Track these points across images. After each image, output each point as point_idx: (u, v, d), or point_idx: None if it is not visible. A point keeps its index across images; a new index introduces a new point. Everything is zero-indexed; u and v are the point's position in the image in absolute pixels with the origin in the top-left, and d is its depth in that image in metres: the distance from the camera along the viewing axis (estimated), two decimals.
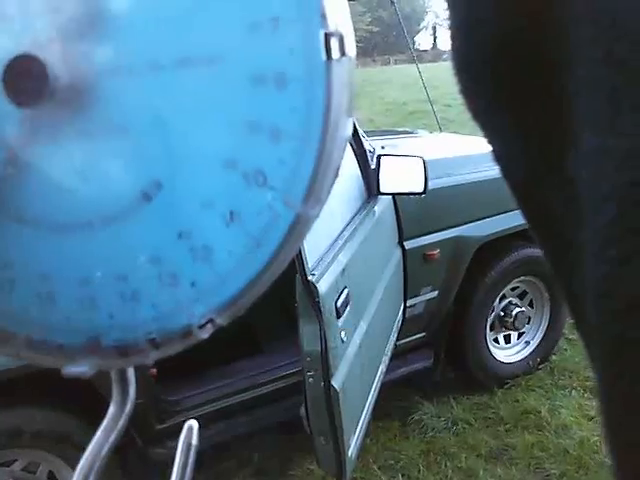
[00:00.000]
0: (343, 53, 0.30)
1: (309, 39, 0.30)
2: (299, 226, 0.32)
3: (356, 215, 2.80)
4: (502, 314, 3.81)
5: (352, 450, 2.40)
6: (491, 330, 3.80)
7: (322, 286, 2.13)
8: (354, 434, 2.43)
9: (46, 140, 0.34)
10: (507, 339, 3.91)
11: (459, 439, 3.39)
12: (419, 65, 5.35)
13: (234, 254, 0.33)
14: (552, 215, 0.29)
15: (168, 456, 2.74)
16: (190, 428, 0.45)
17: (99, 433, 0.41)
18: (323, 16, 0.30)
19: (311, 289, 2.11)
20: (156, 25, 0.31)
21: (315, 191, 0.31)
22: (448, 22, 0.31)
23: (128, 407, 0.41)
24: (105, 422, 0.41)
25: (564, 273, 0.30)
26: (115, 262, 0.35)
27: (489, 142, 0.32)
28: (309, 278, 2.10)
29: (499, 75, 0.29)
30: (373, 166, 3.03)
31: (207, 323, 0.34)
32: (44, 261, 0.36)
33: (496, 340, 3.86)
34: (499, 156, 0.32)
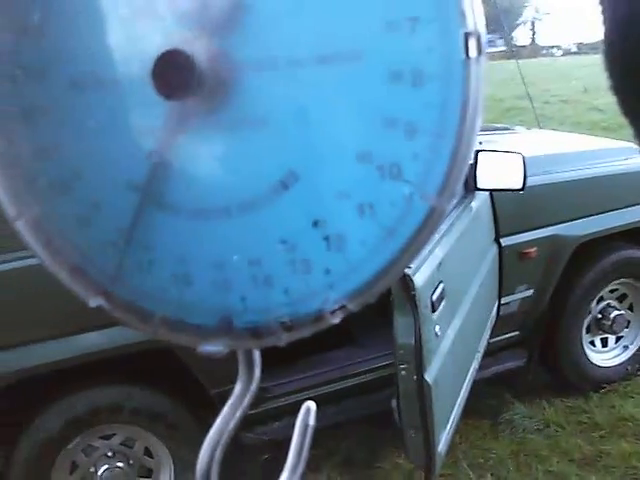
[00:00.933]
0: (480, 52, 0.31)
1: (447, 38, 0.31)
2: (433, 218, 0.33)
3: (453, 210, 2.78)
4: (600, 316, 3.70)
5: (442, 445, 2.39)
6: (587, 332, 3.69)
7: (418, 279, 2.13)
8: (444, 429, 2.42)
9: (190, 131, 0.36)
10: (604, 342, 3.79)
11: (551, 442, 3.32)
12: (517, 61, 5.23)
13: (367, 244, 0.35)
14: None
15: (257, 441, 2.81)
16: (308, 409, 0.47)
17: (226, 409, 0.44)
18: (462, 15, 0.31)
19: (407, 282, 2.11)
20: (298, 22, 0.33)
21: (450, 185, 0.33)
22: (602, 18, 0.32)
23: (253, 385, 0.44)
24: (232, 399, 0.44)
25: None
26: (250, 247, 0.37)
27: (638, 137, 0.32)
28: (405, 271, 2.10)
29: None
30: (471, 161, 2.99)
31: (339, 309, 0.36)
32: (182, 244, 0.39)
33: (592, 343, 3.75)
34: None
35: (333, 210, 0.35)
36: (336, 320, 0.36)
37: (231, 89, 0.35)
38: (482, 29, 0.31)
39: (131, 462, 2.68)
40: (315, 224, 0.35)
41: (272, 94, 0.34)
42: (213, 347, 0.39)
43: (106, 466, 2.62)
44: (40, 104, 0.37)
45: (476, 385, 2.92)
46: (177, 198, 0.38)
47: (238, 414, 0.43)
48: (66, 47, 0.36)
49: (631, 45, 0.30)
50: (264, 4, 0.33)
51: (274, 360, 2.97)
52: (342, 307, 0.36)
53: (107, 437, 2.63)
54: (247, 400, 0.44)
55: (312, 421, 0.47)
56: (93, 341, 2.41)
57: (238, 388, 0.44)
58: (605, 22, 0.32)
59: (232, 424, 0.44)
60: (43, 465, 2.48)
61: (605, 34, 0.32)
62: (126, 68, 0.36)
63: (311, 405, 0.47)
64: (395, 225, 0.34)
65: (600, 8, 0.33)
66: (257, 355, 0.43)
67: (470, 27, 0.31)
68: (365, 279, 0.35)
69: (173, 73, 0.34)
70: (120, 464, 2.65)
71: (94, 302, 0.40)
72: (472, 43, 0.31)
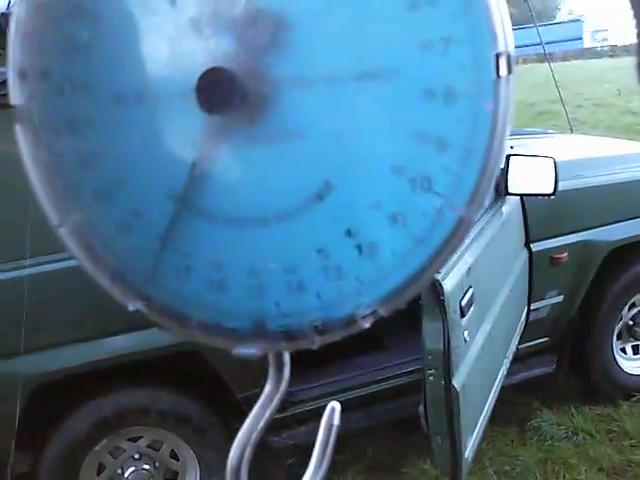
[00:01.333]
0: (510, 71, 0.32)
1: (479, 57, 0.32)
2: (461, 229, 0.34)
3: (483, 215, 2.77)
4: (631, 323, 3.65)
5: (469, 452, 2.38)
6: (618, 339, 3.65)
7: (447, 284, 2.13)
8: (472, 436, 2.41)
9: (230, 143, 0.38)
10: (635, 350, 3.74)
11: (579, 450, 3.28)
12: (550, 64, 5.20)
13: (397, 252, 0.36)
14: None
15: (284, 445, 2.82)
16: (333, 409, 0.48)
17: (256, 408, 0.45)
18: (494, 36, 0.32)
19: (436, 287, 2.11)
20: (337, 42, 0.34)
21: (478, 197, 0.34)
22: (634, 20, 0.32)
23: (283, 386, 0.45)
24: (262, 399, 0.45)
25: None
26: (285, 255, 0.39)
27: None
28: (435, 276, 2.10)
29: None
30: (502, 166, 2.98)
31: (370, 314, 0.37)
32: (218, 252, 0.40)
33: (623, 350, 3.70)
34: None
35: (366, 220, 0.36)
36: (367, 324, 0.38)
37: (270, 104, 0.36)
38: (512, 49, 0.32)
39: (157, 465, 2.71)
40: (348, 233, 0.37)
41: (310, 109, 0.36)
42: (247, 350, 0.41)
43: (133, 468, 2.65)
44: (85, 116, 0.39)
45: (504, 391, 2.91)
46: (215, 207, 0.39)
47: (268, 414, 0.45)
48: (112, 63, 0.38)
49: None
50: (306, 25, 0.35)
51: (301, 365, 2.99)
52: (373, 312, 0.37)
53: (134, 439, 2.67)
54: (276, 400, 0.45)
55: (337, 421, 0.48)
56: (121, 344, 2.45)
57: (268, 388, 0.45)
58: (637, 25, 0.33)
59: (262, 424, 0.45)
60: (71, 466, 2.51)
61: (638, 36, 0.33)
62: (170, 84, 0.37)
63: (336, 405, 0.48)
64: (425, 235, 0.35)
65: (632, 10, 0.33)
66: (287, 357, 0.44)
67: (501, 47, 0.32)
68: (395, 286, 0.37)
69: (216, 89, 0.36)
70: (146, 466, 2.68)
71: (133, 306, 0.42)
72: (503, 63, 0.32)
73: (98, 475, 2.62)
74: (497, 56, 0.32)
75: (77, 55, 0.39)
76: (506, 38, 0.32)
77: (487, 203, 0.41)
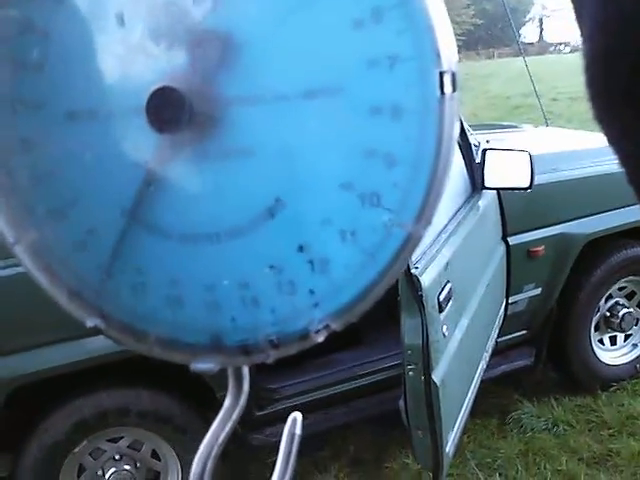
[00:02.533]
0: (454, 89, 0.33)
1: (424, 76, 0.33)
2: (410, 244, 0.35)
3: (460, 209, 2.79)
4: (608, 314, 3.69)
5: (449, 446, 2.40)
6: (596, 330, 3.69)
7: (425, 279, 2.14)
8: (452, 430, 2.43)
9: (181, 161, 0.38)
10: (613, 340, 3.78)
11: (559, 441, 3.32)
12: (525, 58, 5.23)
13: (349, 267, 0.36)
14: None
15: (265, 442, 2.83)
16: (294, 419, 0.49)
17: (216, 423, 0.45)
18: (438, 55, 0.32)
19: (414, 282, 2.12)
20: (284, 60, 0.35)
21: (425, 213, 0.34)
22: (583, 53, 0.33)
23: (242, 400, 0.45)
24: (221, 413, 0.45)
25: None
26: (238, 271, 0.39)
27: (623, 166, 0.34)
28: (412, 271, 2.12)
29: (636, 102, 0.31)
30: (478, 160, 3.00)
31: (323, 328, 0.38)
32: (174, 268, 0.40)
33: (601, 341, 3.75)
34: (632, 180, 0.34)
35: (317, 236, 0.37)
36: (320, 339, 0.38)
37: (220, 123, 0.37)
38: (456, 67, 0.33)
39: (138, 465, 2.70)
40: (300, 249, 0.37)
41: (259, 127, 0.36)
42: (205, 364, 0.41)
43: (113, 469, 2.64)
44: (37, 135, 0.39)
45: (484, 384, 2.93)
46: (167, 223, 0.39)
47: (228, 428, 0.45)
48: (63, 81, 0.38)
49: (611, 78, 0.32)
50: (254, 45, 0.35)
51: (281, 362, 2.97)
52: (326, 326, 0.38)
53: (114, 440, 2.65)
54: (236, 413, 0.45)
55: (299, 430, 0.48)
56: (100, 344, 2.43)
57: (227, 402, 0.45)
58: (586, 57, 0.33)
59: (222, 437, 0.45)
60: (51, 469, 2.50)
61: (585, 68, 0.33)
62: (120, 102, 0.38)
63: (297, 416, 0.49)
64: (375, 250, 0.36)
65: (574, 14, 0.34)
66: (246, 370, 0.45)
67: (445, 66, 0.32)
68: (348, 300, 0.37)
69: (165, 109, 0.36)
70: (127, 467, 2.67)
71: (91, 322, 0.42)
72: (447, 80, 0.33)
73: (78, 477, 2.60)
74: (441, 74, 0.33)
75: (28, 73, 0.39)
76: (450, 57, 0.33)
77: (433, 219, 0.42)
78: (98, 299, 0.41)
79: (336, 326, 0.38)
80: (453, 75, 0.33)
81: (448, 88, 0.33)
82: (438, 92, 0.33)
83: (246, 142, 0.36)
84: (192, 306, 0.40)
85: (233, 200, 0.38)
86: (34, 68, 0.38)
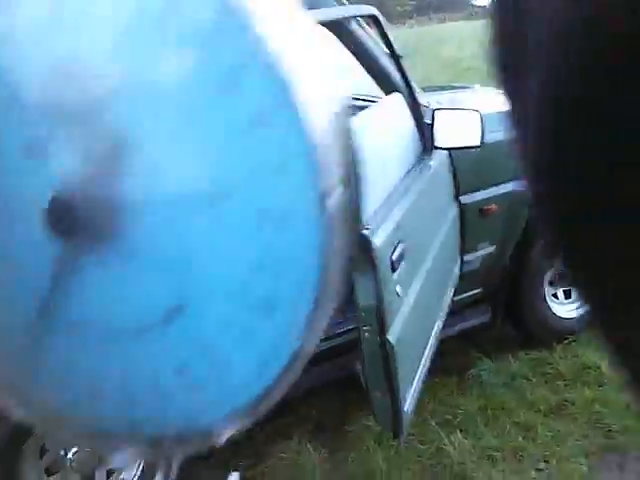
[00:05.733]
0: (337, 207, 0.34)
1: (308, 194, 0.33)
2: (301, 354, 0.36)
3: (411, 170, 2.78)
4: (562, 269, 3.74)
5: (408, 405, 2.41)
6: (550, 285, 3.75)
7: (377, 240, 2.13)
8: (410, 389, 2.44)
9: (83, 265, 0.38)
10: (567, 294, 3.84)
11: (517, 395, 3.38)
12: (475, 22, 5.23)
13: (246, 372, 0.38)
14: None
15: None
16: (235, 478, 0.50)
17: None
18: (317, 175, 0.33)
19: (366, 243, 2.11)
20: (174, 165, 0.35)
21: (314, 326, 0.35)
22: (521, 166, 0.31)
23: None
24: None
25: None
26: (148, 370, 0.40)
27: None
28: (363, 232, 2.10)
29: None
30: (428, 121, 2.99)
31: (226, 426, 0.39)
32: (91, 362, 0.41)
33: (555, 295, 3.80)
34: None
35: (216, 340, 0.38)
36: (224, 437, 0.41)
37: (115, 229, 0.38)
38: (337, 187, 0.34)
39: None
40: (201, 352, 0.39)
41: (153, 233, 0.37)
42: (120, 457, 0.42)
43: (75, 448, 2.60)
44: None
45: (442, 343, 2.95)
46: (80, 321, 0.41)
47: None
48: None
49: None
50: (146, 150, 0.36)
51: None
52: (229, 424, 0.40)
53: None
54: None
55: None
56: None
57: None
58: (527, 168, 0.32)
59: None
60: (11, 454, 2.45)
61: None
62: (21, 210, 0.39)
63: (236, 476, 0.50)
64: (269, 358, 0.38)
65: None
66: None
67: (323, 187, 0.33)
68: (249, 400, 0.39)
69: (62, 216, 0.37)
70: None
71: (17, 413, 0.43)
72: (329, 201, 0.33)
73: (41, 458, 2.56)
74: (322, 194, 0.33)
75: None
76: (333, 175, 0.33)
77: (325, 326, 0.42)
78: (20, 396, 0.42)
79: (238, 425, 0.40)
80: (332, 195, 0.33)
81: (331, 206, 0.33)
82: (319, 211, 0.33)
83: (141, 246, 0.37)
84: (110, 399, 0.41)
85: (128, 306, 0.39)
86: None
